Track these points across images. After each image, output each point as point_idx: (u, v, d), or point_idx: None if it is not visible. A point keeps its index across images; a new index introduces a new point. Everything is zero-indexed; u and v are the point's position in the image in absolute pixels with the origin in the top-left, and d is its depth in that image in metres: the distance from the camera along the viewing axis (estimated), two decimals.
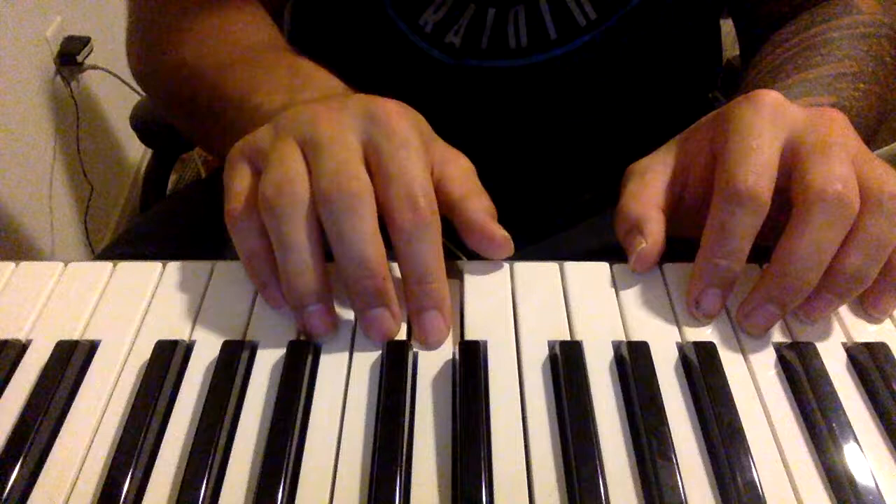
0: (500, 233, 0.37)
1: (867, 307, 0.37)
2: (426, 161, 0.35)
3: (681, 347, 0.35)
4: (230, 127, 0.44)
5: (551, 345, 0.35)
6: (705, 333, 0.36)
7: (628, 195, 0.39)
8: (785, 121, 0.36)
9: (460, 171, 0.39)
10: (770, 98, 0.36)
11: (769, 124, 0.35)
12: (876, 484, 0.29)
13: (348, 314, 0.36)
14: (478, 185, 0.39)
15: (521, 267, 0.39)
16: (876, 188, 0.34)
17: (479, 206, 0.37)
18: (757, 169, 0.34)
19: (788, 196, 0.35)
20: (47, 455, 0.31)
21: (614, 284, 0.38)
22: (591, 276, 0.39)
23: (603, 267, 0.39)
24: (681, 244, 0.39)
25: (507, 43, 0.55)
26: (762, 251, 0.36)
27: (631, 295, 0.38)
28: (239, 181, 0.36)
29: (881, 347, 0.34)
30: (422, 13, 0.55)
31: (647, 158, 0.41)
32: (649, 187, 0.39)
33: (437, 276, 0.35)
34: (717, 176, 0.35)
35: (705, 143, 0.38)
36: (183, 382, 0.34)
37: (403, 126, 0.35)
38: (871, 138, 0.49)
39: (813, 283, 0.34)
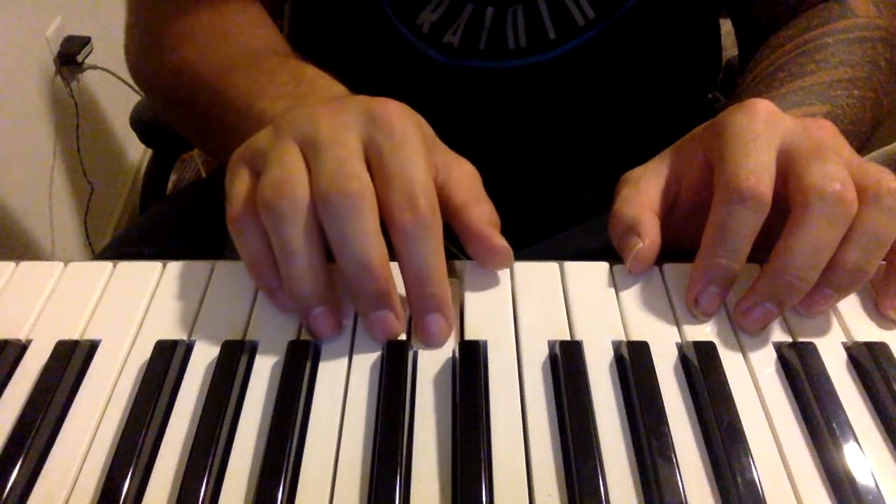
0: (501, 243, 0.37)
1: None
2: (427, 160, 0.35)
3: (681, 347, 0.35)
4: (231, 131, 0.43)
5: (551, 345, 0.35)
6: (705, 333, 0.36)
7: (622, 200, 0.39)
8: (778, 128, 0.36)
9: (464, 176, 0.38)
10: (763, 106, 0.36)
11: (764, 130, 0.35)
12: (876, 484, 0.29)
13: (348, 313, 0.36)
14: (481, 192, 0.38)
15: (521, 267, 0.39)
16: (874, 184, 0.34)
17: (481, 214, 0.37)
18: (757, 169, 0.34)
19: (783, 202, 0.35)
20: (47, 455, 0.31)
21: (614, 284, 0.38)
22: (591, 276, 0.39)
23: (603, 267, 0.39)
24: (673, 253, 0.39)
25: (506, 43, 0.55)
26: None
27: (631, 295, 0.38)
28: (239, 184, 0.35)
29: (881, 347, 0.34)
30: (419, 13, 0.55)
31: (640, 167, 0.41)
32: (643, 193, 0.39)
33: (437, 279, 0.34)
34: (717, 178, 0.35)
35: (699, 152, 0.38)
36: (183, 382, 0.34)
37: (404, 125, 0.35)
38: (866, 143, 0.49)
39: (811, 281, 0.34)
